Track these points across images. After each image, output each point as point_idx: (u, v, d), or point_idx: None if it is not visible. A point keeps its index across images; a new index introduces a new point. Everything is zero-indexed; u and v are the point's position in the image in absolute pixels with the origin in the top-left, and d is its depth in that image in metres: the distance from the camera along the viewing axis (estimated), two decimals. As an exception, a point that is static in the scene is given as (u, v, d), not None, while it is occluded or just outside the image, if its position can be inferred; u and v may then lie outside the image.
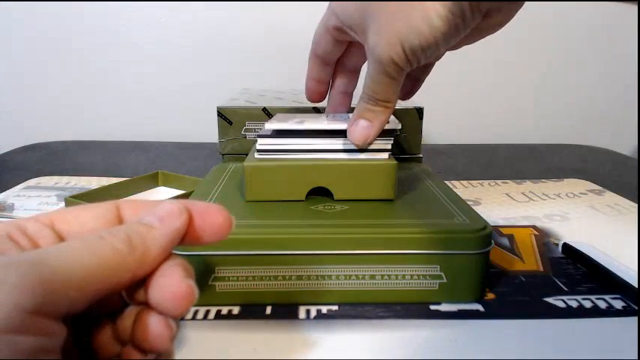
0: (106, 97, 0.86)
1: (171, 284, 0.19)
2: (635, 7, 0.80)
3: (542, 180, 0.62)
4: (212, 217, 0.21)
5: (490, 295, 0.34)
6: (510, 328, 0.30)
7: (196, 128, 0.85)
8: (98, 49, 0.83)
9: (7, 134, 0.85)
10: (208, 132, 0.72)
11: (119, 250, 0.18)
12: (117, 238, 0.18)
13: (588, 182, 0.61)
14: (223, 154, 0.52)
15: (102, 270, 0.17)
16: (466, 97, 0.88)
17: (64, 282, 0.16)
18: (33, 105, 0.86)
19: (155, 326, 0.19)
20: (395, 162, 0.37)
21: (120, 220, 0.22)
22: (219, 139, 0.51)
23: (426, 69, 0.39)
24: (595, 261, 0.37)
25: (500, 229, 0.45)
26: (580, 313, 0.32)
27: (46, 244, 0.20)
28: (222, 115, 0.51)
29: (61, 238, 0.20)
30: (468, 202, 0.39)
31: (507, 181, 0.61)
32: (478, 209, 0.49)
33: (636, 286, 0.34)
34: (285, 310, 0.32)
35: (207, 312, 0.31)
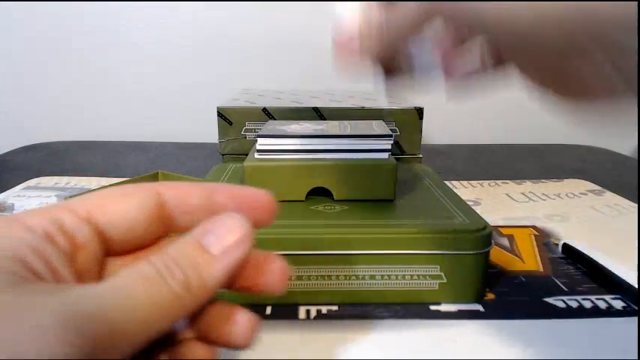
0: (106, 97, 0.86)
1: (279, 265, 0.20)
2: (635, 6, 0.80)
3: (542, 180, 0.62)
4: (261, 200, 0.21)
5: (490, 295, 0.34)
6: (510, 328, 0.30)
7: (196, 128, 0.85)
8: (98, 49, 0.83)
9: (8, 134, 0.85)
10: (208, 132, 0.72)
11: (177, 295, 0.17)
12: (176, 281, 0.17)
13: (588, 182, 0.61)
14: (223, 154, 0.52)
15: (159, 318, 0.16)
16: (466, 97, 0.88)
17: (120, 336, 0.15)
18: (33, 105, 0.86)
19: (246, 321, 0.20)
20: (395, 162, 0.37)
21: (161, 209, 0.20)
22: (219, 139, 0.51)
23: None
24: (595, 261, 0.37)
25: (500, 229, 0.45)
26: (580, 313, 0.32)
27: (85, 243, 0.19)
28: (222, 115, 0.51)
29: (100, 234, 0.19)
30: (468, 202, 0.39)
31: (507, 181, 0.61)
32: (478, 209, 0.49)
33: (636, 286, 0.34)
34: (285, 310, 0.32)
35: (207, 312, 0.31)
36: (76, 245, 0.18)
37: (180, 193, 0.21)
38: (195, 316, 0.20)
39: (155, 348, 0.20)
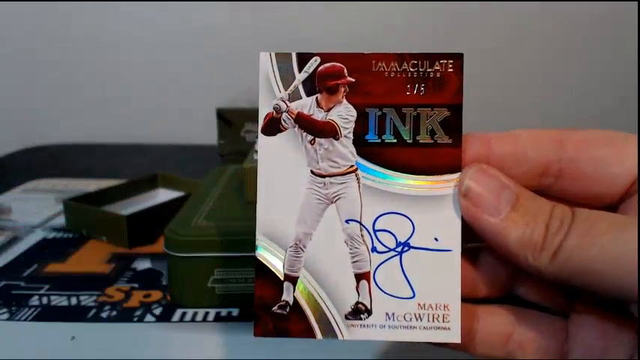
0: (105, 99, 0.86)
1: None
2: (635, 6, 0.81)
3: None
4: None
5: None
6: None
7: (196, 130, 0.84)
8: (98, 49, 0.83)
9: (7, 136, 0.85)
10: (208, 134, 0.72)
11: None
12: None
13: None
14: (222, 156, 0.52)
15: None
16: (466, 97, 0.88)
17: None
18: (33, 107, 0.86)
19: None
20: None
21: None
22: (218, 140, 0.51)
23: None
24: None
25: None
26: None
27: None
28: (222, 116, 0.51)
29: None
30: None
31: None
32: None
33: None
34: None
35: (207, 314, 0.31)
36: None
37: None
38: None
39: None
